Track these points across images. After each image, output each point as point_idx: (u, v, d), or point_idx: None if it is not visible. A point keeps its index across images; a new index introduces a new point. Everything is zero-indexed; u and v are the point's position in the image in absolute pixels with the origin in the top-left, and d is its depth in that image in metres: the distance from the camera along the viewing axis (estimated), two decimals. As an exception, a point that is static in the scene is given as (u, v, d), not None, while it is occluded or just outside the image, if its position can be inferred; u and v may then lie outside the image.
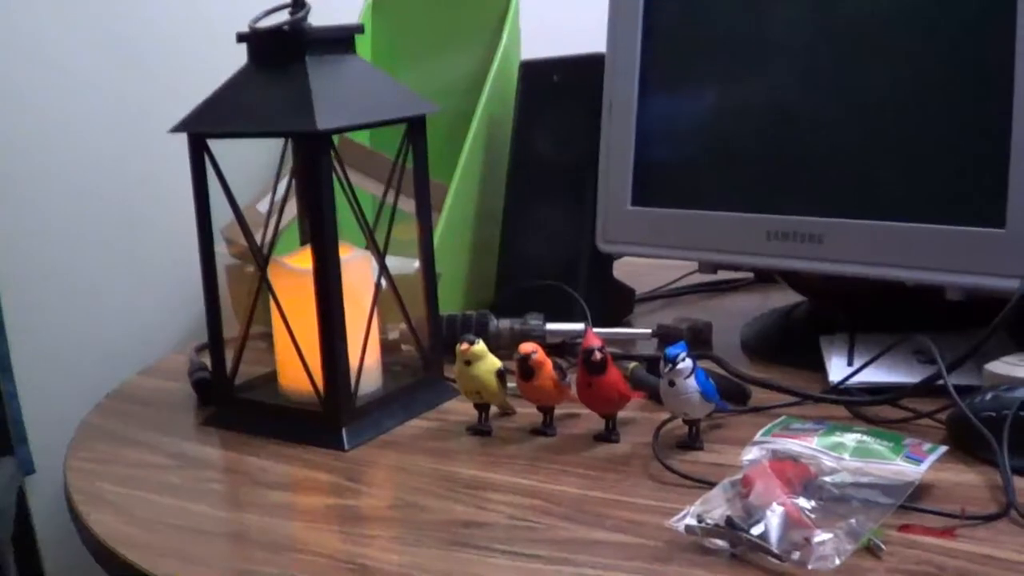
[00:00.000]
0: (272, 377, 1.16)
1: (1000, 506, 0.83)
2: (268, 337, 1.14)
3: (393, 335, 1.24)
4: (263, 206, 1.32)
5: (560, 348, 1.25)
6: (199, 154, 1.08)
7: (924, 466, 0.85)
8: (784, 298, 1.38)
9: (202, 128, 1.07)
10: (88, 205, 1.49)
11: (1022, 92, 0.98)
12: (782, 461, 0.85)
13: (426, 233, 1.14)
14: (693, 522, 0.80)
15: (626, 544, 0.82)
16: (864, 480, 0.83)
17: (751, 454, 0.88)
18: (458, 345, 1.03)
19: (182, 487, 0.99)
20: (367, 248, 1.12)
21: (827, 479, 0.83)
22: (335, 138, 1.05)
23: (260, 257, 1.09)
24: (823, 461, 0.86)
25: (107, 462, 1.06)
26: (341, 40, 1.09)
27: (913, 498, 0.83)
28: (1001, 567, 0.75)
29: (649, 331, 1.27)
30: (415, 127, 1.12)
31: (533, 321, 1.26)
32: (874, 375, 1.06)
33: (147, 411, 1.19)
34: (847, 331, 1.17)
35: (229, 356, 1.13)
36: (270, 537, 0.88)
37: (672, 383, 0.95)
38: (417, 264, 1.15)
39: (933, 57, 1.05)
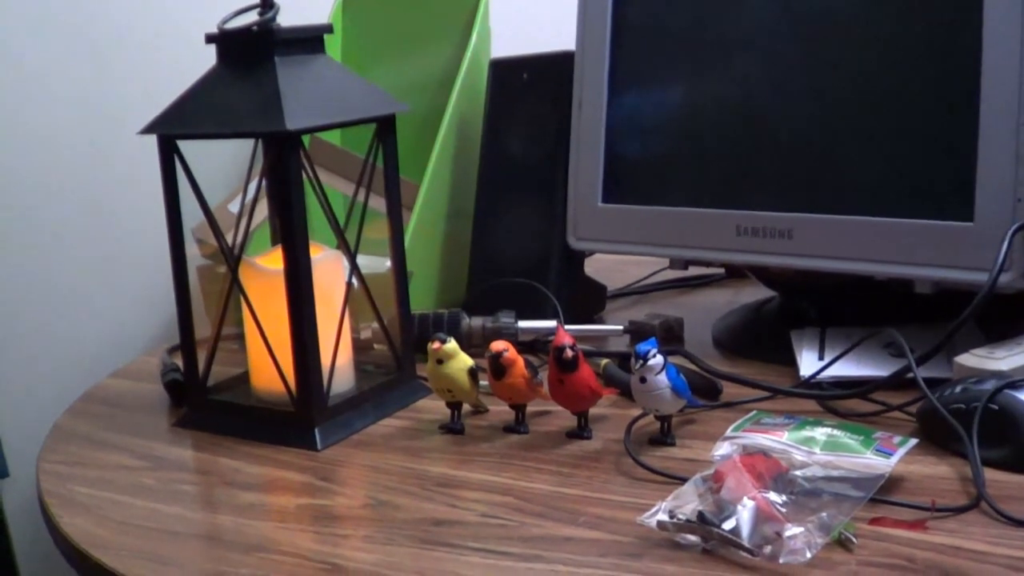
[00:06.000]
0: (244, 378, 1.16)
1: (970, 497, 0.83)
2: (240, 338, 1.14)
3: (365, 334, 1.24)
4: (234, 206, 1.32)
5: (532, 345, 1.25)
6: (169, 156, 1.08)
7: (894, 459, 0.85)
8: (755, 293, 1.39)
9: (172, 130, 1.07)
10: (59, 207, 1.49)
11: (989, 85, 0.99)
12: (753, 456, 0.85)
13: (397, 232, 1.14)
14: (665, 518, 0.80)
15: (598, 540, 0.82)
16: (835, 474, 0.84)
17: (722, 449, 0.89)
18: (430, 344, 1.03)
19: (155, 489, 0.99)
20: (338, 247, 1.12)
21: (798, 473, 0.84)
22: (305, 138, 1.04)
23: (231, 258, 1.09)
24: (794, 455, 0.86)
25: (79, 465, 1.06)
26: (310, 40, 1.09)
27: (884, 491, 0.83)
28: (971, 558, 0.75)
29: (621, 327, 1.27)
30: (385, 126, 1.12)
31: (505, 319, 1.26)
32: (845, 369, 1.06)
33: (119, 413, 1.19)
34: (818, 325, 1.17)
35: (201, 357, 1.12)
36: (243, 538, 0.88)
37: (643, 380, 0.95)
38: (388, 263, 1.15)
39: (900, 52, 1.06)
